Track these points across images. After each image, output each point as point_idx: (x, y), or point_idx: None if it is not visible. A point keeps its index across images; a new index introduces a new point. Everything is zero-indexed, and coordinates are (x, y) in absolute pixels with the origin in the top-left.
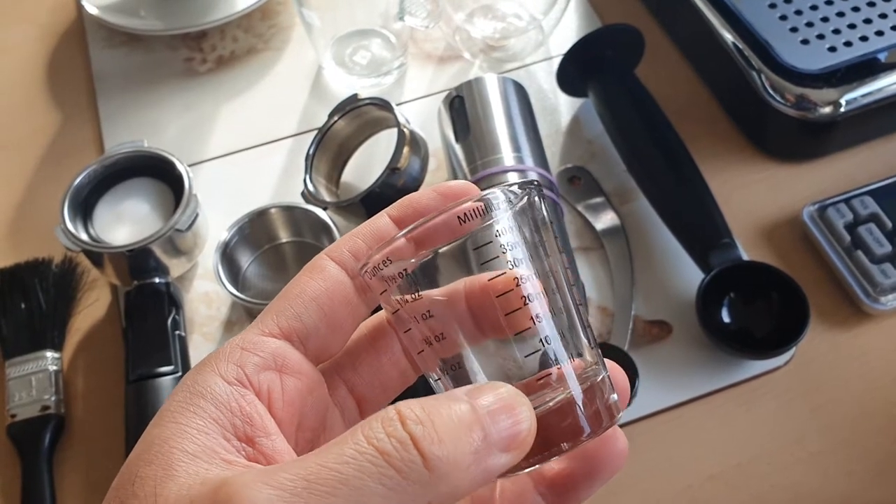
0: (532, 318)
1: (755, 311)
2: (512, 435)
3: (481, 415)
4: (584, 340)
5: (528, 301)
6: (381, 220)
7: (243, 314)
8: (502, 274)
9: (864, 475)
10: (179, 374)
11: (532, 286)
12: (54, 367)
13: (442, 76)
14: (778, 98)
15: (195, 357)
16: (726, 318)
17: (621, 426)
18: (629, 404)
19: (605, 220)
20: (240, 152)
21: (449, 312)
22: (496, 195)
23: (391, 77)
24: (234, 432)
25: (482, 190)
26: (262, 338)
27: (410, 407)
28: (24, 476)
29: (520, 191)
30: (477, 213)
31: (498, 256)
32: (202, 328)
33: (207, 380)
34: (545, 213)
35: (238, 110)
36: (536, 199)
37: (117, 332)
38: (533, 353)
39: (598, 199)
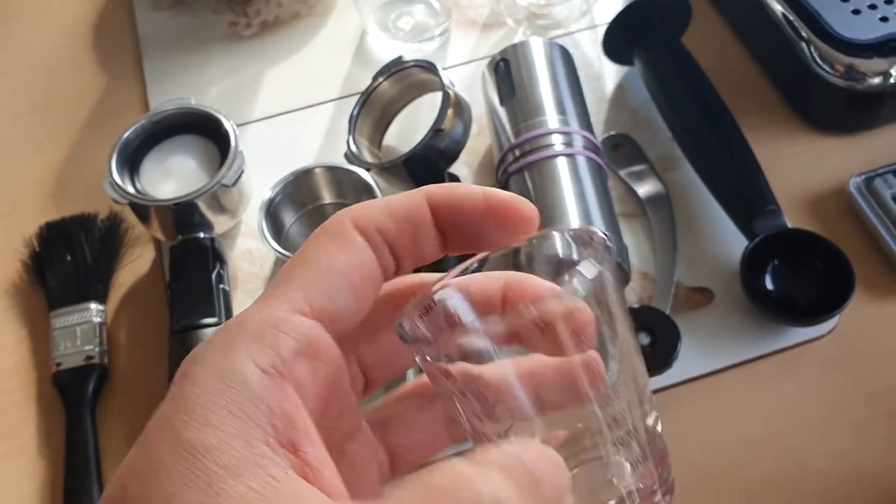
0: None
1: (799, 279)
2: None
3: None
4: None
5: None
6: (422, 210)
7: None
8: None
9: None
10: None
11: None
12: (98, 319)
13: (485, 43)
14: (826, 68)
15: (238, 311)
16: (769, 285)
17: (662, 389)
18: (670, 367)
19: (648, 187)
20: (283, 115)
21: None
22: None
23: (434, 43)
24: (276, 436)
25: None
26: (294, 316)
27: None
28: (68, 423)
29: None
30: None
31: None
32: (245, 284)
33: (238, 366)
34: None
35: (282, 74)
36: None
37: (160, 288)
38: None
39: (642, 167)
